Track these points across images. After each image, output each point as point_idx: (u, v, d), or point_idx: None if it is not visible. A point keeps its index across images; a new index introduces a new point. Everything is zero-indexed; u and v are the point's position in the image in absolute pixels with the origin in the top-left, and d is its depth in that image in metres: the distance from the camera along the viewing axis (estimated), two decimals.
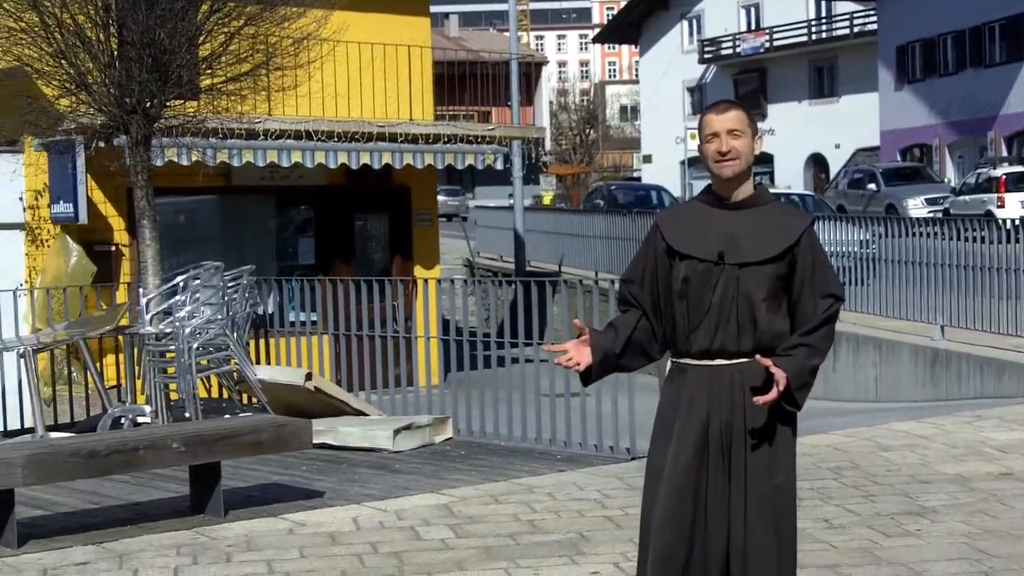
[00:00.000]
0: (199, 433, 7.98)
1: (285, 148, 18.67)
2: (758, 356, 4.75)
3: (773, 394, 4.70)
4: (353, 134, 19.19)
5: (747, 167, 4.94)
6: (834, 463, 9.40)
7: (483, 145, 20.59)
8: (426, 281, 12.19)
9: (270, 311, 13.93)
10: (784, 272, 4.84)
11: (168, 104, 12.52)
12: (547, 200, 62.06)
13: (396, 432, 10.69)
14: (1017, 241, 14.66)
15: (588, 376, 4.99)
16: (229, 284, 11.79)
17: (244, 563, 6.99)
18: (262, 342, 13.46)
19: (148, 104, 12.14)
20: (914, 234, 16.17)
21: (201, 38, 12.52)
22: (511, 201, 32.11)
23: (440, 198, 33.95)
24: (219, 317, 11.44)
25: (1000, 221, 15.86)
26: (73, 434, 11.29)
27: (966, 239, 15.29)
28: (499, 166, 21.15)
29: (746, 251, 4.84)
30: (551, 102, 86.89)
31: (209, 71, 12.76)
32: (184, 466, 8.20)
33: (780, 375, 4.69)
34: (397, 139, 19.66)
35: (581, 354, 4.89)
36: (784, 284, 4.86)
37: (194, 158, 16.67)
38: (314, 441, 10.22)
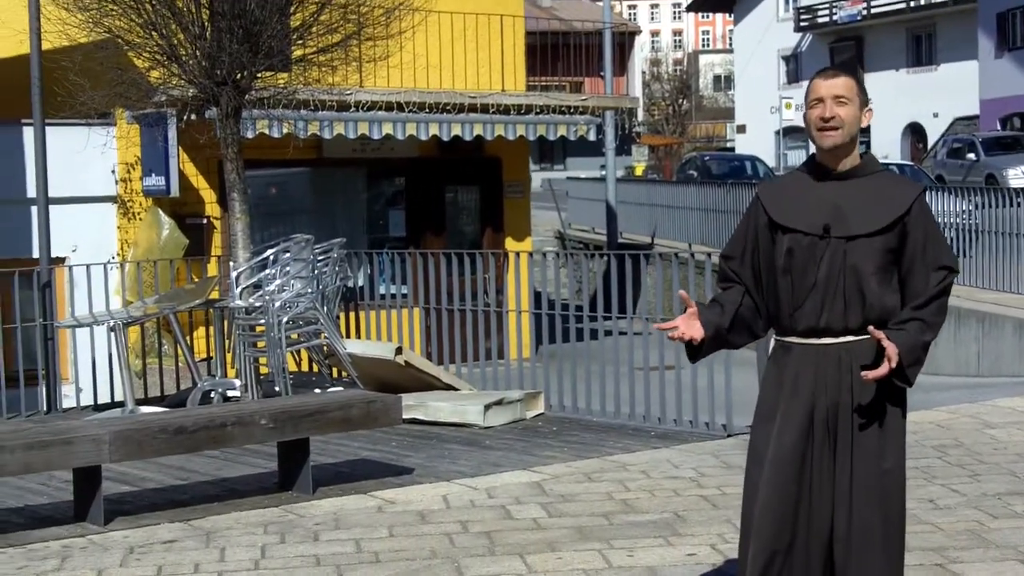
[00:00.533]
0: (287, 409, 7.87)
1: (376, 120, 18.57)
2: (871, 328, 4.52)
3: (884, 369, 4.48)
4: (444, 105, 19.05)
5: (851, 138, 4.71)
6: (938, 441, 9.11)
7: (575, 116, 20.36)
8: (518, 254, 11.99)
9: (360, 284, 13.84)
10: (894, 244, 4.62)
11: (259, 76, 12.42)
12: (638, 171, 61.63)
13: (487, 407, 10.53)
14: None
15: (698, 351, 4.81)
16: (319, 257, 11.69)
17: (332, 542, 6.87)
18: (352, 315, 13.36)
19: (239, 76, 12.05)
20: (1017, 204, 15.71)
21: (292, 8, 12.40)
22: (603, 172, 31.83)
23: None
24: (309, 291, 11.33)
25: None
26: (163, 408, 11.28)
27: None
28: (591, 137, 20.89)
29: (853, 223, 4.62)
30: (643, 72, 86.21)
31: (300, 42, 12.64)
32: (272, 442, 8.09)
33: (892, 349, 4.47)
34: (488, 110, 19.48)
35: (692, 328, 4.71)
36: (894, 257, 4.63)
37: (285, 130, 16.60)
38: (404, 416, 10.11)
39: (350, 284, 12.99)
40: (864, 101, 4.70)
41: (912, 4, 57.49)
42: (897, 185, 4.75)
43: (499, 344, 12.41)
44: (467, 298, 12.18)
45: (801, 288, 4.65)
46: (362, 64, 16.05)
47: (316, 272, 11.52)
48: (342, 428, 8.23)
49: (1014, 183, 34.25)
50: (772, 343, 4.84)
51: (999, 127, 47.34)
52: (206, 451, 8.32)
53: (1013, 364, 14.24)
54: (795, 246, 4.66)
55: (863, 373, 4.52)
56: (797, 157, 60.72)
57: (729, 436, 9.76)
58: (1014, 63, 47.62)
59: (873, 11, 58.53)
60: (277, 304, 11.06)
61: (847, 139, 4.66)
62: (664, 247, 26.46)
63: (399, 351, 11.14)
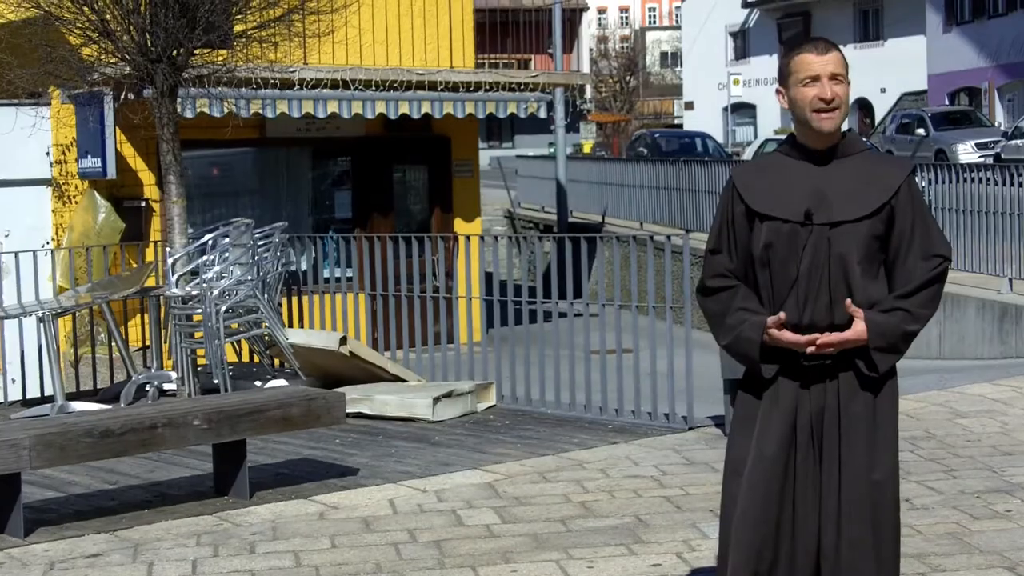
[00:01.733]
0: (222, 409, 7.37)
1: (321, 98, 17.99)
2: (847, 301, 4.13)
3: (834, 337, 4.12)
4: (391, 83, 18.47)
5: (844, 119, 4.28)
6: (908, 432, 8.71)
7: (525, 93, 19.84)
8: (468, 238, 11.51)
9: (304, 268, 13.29)
10: (881, 231, 4.21)
11: (196, 52, 11.85)
12: (587, 148, 61.30)
13: (436, 400, 10.04)
14: None
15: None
16: (260, 242, 11.16)
17: (269, 554, 6.38)
18: (295, 302, 12.82)
19: (175, 52, 11.48)
20: (968, 180, 15.31)
21: None
22: (551, 150, 31.37)
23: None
24: (249, 278, 10.80)
25: None
26: (96, 402, 10.75)
27: (1020, 184, 14.49)
28: (542, 114, 20.40)
29: (837, 208, 4.20)
30: (591, 49, 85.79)
31: (240, 16, 12.07)
32: (207, 444, 7.59)
33: (859, 326, 4.13)
34: (437, 87, 18.92)
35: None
36: (880, 244, 4.23)
37: (227, 109, 16.03)
38: (349, 410, 9.62)
39: (292, 270, 12.46)
40: (848, 76, 4.30)
41: None
42: (883, 165, 4.35)
43: (448, 328, 11.92)
44: (415, 283, 11.68)
45: (782, 281, 4.23)
46: (306, 40, 15.50)
47: (256, 258, 11.00)
48: (281, 428, 7.73)
49: (964, 158, 34.13)
50: None
51: (947, 102, 47.28)
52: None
53: (976, 346, 13.91)
54: (774, 235, 4.24)
55: (810, 337, 4.14)
56: (745, 133, 60.60)
57: (691, 429, 9.33)
58: (962, 38, 47.54)
59: None
60: (215, 292, 10.52)
61: (843, 121, 4.25)
62: (616, 226, 26.07)
63: (343, 341, 10.64)
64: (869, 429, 4.23)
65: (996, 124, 42.16)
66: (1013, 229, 14.06)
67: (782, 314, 4.18)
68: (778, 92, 4.37)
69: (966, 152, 35.33)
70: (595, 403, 10.23)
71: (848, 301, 4.13)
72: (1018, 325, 13.12)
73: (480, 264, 11.53)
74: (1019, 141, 34.44)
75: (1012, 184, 14.53)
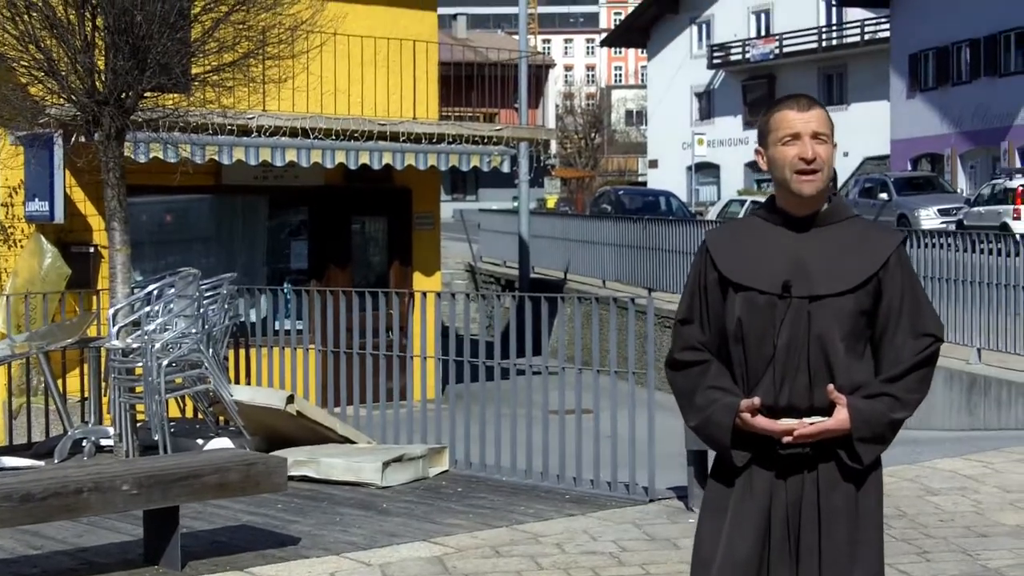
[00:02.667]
0: (154, 473, 6.90)
1: (279, 146, 17.63)
2: (829, 386, 3.72)
3: (815, 428, 3.71)
4: (352, 132, 18.13)
5: (829, 183, 3.89)
6: None
7: (489, 146, 19.52)
8: (424, 294, 11.10)
9: (254, 320, 12.84)
10: (867, 305, 3.82)
11: (147, 95, 11.43)
12: (551, 203, 61.18)
13: (385, 465, 9.57)
14: None
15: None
16: (207, 294, 10.70)
17: None
18: (243, 355, 12.33)
19: (123, 95, 11.06)
20: (929, 245, 15.00)
21: (184, 23, 11.43)
22: (515, 204, 31.05)
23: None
24: (194, 331, 10.35)
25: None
26: (29, 458, 10.25)
27: (981, 251, 14.23)
28: (506, 168, 20.09)
29: (819, 280, 3.80)
30: (557, 105, 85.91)
31: (192, 59, 11.67)
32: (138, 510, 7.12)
33: (841, 414, 3.73)
34: (399, 138, 18.61)
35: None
36: (867, 321, 3.83)
37: (182, 154, 15.60)
38: (294, 473, 9.18)
39: (241, 322, 12.00)
40: (833, 136, 3.93)
41: (824, 44, 57.55)
42: (871, 234, 3.94)
43: (402, 385, 11.47)
44: (368, 338, 11.22)
45: (757, 359, 3.83)
46: (265, 86, 15.11)
47: (202, 310, 10.53)
48: (217, 495, 7.27)
49: (926, 224, 34.01)
50: None
51: (909, 167, 47.30)
52: None
53: (945, 417, 13.56)
54: (749, 307, 3.84)
55: (784, 422, 3.74)
56: (708, 193, 60.55)
57: (652, 501, 8.89)
58: (926, 104, 47.66)
59: (785, 50, 58.54)
60: (157, 345, 10.06)
61: (827, 183, 3.86)
62: (578, 283, 25.72)
63: (291, 399, 10.17)
64: (851, 525, 3.82)
65: (959, 191, 42.16)
66: (980, 298, 13.75)
67: (756, 399, 3.78)
68: (757, 152, 3.99)
69: (928, 218, 35.23)
70: (552, 470, 9.79)
71: (831, 387, 3.73)
72: (987, 396, 12.80)
73: (436, 322, 11.11)
74: (982, 208, 34.40)
75: (975, 251, 14.26)
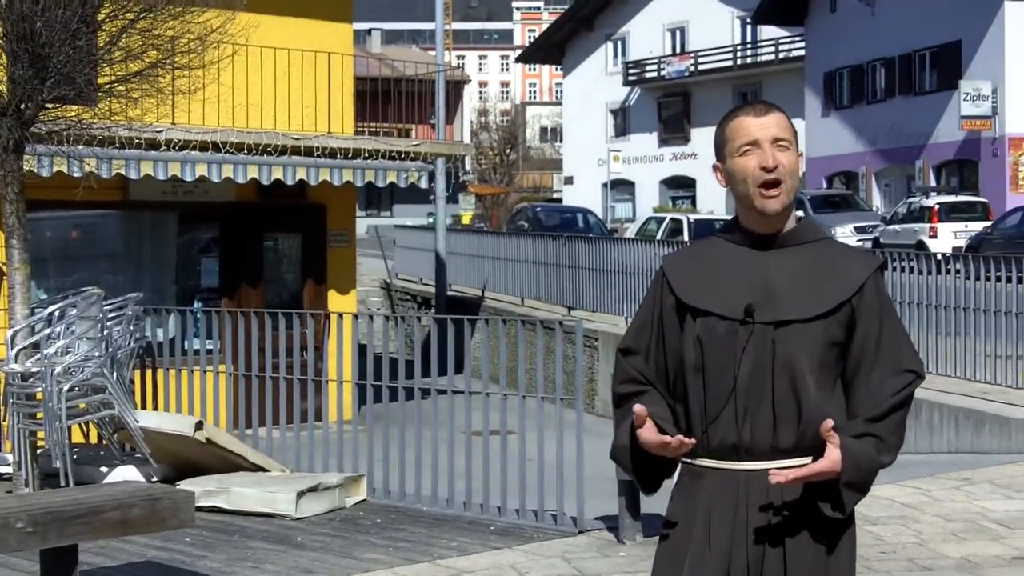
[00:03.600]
0: (51, 510, 6.38)
1: (189, 160, 17.03)
2: (827, 422, 3.25)
3: (805, 470, 3.27)
4: (265, 147, 17.58)
5: (795, 196, 3.49)
6: None
7: (406, 162, 19.07)
8: (340, 315, 10.64)
9: (161, 340, 12.31)
10: (839, 336, 3.40)
11: (47, 106, 10.88)
12: (466, 220, 60.89)
13: (300, 495, 9.10)
14: (971, 276, 13.43)
15: (665, 469, 3.54)
16: (111, 315, 10.18)
17: None
18: (150, 377, 11.79)
19: (23, 106, 10.51)
20: None
21: (87, 30, 10.89)
22: (430, 220, 30.63)
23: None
24: (97, 354, 9.82)
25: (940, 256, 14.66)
26: None
27: (902, 270, 14.04)
28: (423, 184, 19.64)
29: (785, 304, 3.39)
30: (472, 122, 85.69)
31: (96, 69, 11.14)
32: (33, 550, 6.60)
33: (834, 455, 3.26)
34: (313, 153, 18.08)
35: (659, 438, 3.38)
36: (839, 353, 3.41)
37: (88, 169, 15.00)
38: (203, 504, 8.68)
39: (148, 343, 11.47)
40: (797, 139, 3.53)
41: (739, 62, 57.74)
42: (845, 257, 3.52)
43: (317, 406, 10.99)
44: (282, 360, 10.73)
45: (717, 391, 3.41)
46: (172, 97, 14.58)
47: (106, 332, 10.01)
48: (119, 533, 6.75)
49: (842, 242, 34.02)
50: (679, 465, 3.58)
51: (825, 185, 47.49)
52: None
53: None
54: (708, 335, 3.43)
55: (771, 472, 3.30)
56: (623, 210, 60.50)
57: (581, 533, 8.49)
58: (841, 122, 47.90)
59: (700, 68, 58.68)
60: (58, 369, 9.52)
61: (793, 197, 3.46)
62: (496, 300, 25.32)
63: (199, 426, 9.68)
64: None
65: (874, 209, 42.36)
66: (908, 319, 13.51)
67: (639, 407, 3.36)
68: (714, 169, 3.58)
69: (845, 236, 35.24)
70: (475, 499, 9.36)
71: (829, 423, 3.27)
72: (917, 420, 12.53)
73: (353, 343, 10.66)
74: (898, 226, 34.52)
75: (900, 271, 14.07)
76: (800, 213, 3.67)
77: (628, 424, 3.43)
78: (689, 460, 3.49)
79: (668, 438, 3.34)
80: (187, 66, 11.74)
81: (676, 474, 3.57)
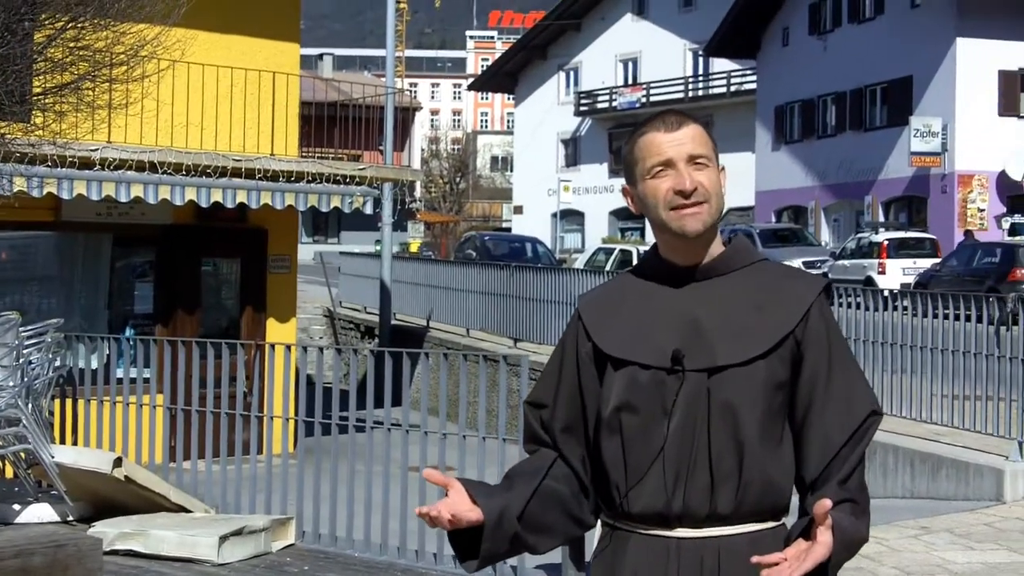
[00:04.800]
0: None
1: (124, 180, 16.44)
2: (822, 502, 2.66)
3: (804, 566, 2.66)
4: (204, 168, 17.01)
5: (719, 217, 2.97)
6: None
7: (352, 186, 18.54)
8: (272, 346, 10.11)
9: (94, 367, 11.73)
10: (784, 375, 2.89)
11: None
12: (414, 248, 60.44)
13: (223, 538, 8.52)
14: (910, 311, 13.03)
15: (474, 548, 2.90)
16: (28, 342, 9.59)
17: None
18: (69, 408, 11.18)
19: None
20: None
21: (11, 39, 10.34)
22: (377, 248, 30.08)
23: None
24: (11, 383, 9.22)
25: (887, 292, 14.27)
26: None
27: (849, 306, 13.64)
28: (368, 210, 19.09)
29: (719, 346, 2.87)
30: (422, 149, 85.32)
31: (20, 81, 10.58)
32: None
33: (826, 538, 2.69)
34: (255, 175, 17.52)
35: (457, 507, 2.84)
36: (785, 395, 2.89)
37: (16, 187, 14.42)
38: (119, 547, 8.11)
39: (67, 373, 10.88)
40: (717, 154, 3.02)
41: (691, 94, 57.63)
42: (784, 282, 2.98)
43: (245, 439, 10.45)
44: (211, 390, 10.19)
45: (641, 453, 2.88)
46: (111, 116, 14.06)
47: (23, 360, 9.42)
48: None
49: None
50: (599, 531, 3.04)
51: (774, 219, 47.37)
52: None
53: None
54: (631, 387, 2.90)
55: (755, 559, 2.74)
56: (573, 240, 60.23)
57: None
58: (791, 156, 47.81)
59: (652, 99, 58.56)
60: None
61: (716, 219, 2.94)
62: (441, 331, 24.80)
63: (119, 463, 9.08)
64: None
65: (823, 243, 42.23)
66: (867, 357, 13.09)
67: (428, 471, 2.86)
68: (624, 192, 3.06)
69: None
70: (410, 545, 8.83)
71: (827, 503, 2.67)
72: (871, 461, 12.10)
73: (285, 375, 10.12)
74: (847, 262, 34.33)
75: (848, 307, 13.68)
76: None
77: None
78: (611, 522, 2.97)
79: (441, 511, 2.79)
80: (119, 79, 11.22)
81: (596, 533, 3.02)
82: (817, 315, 2.92)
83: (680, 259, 2.96)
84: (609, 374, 2.94)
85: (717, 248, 2.98)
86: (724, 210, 3.01)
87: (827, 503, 2.68)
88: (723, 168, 3.02)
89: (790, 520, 2.88)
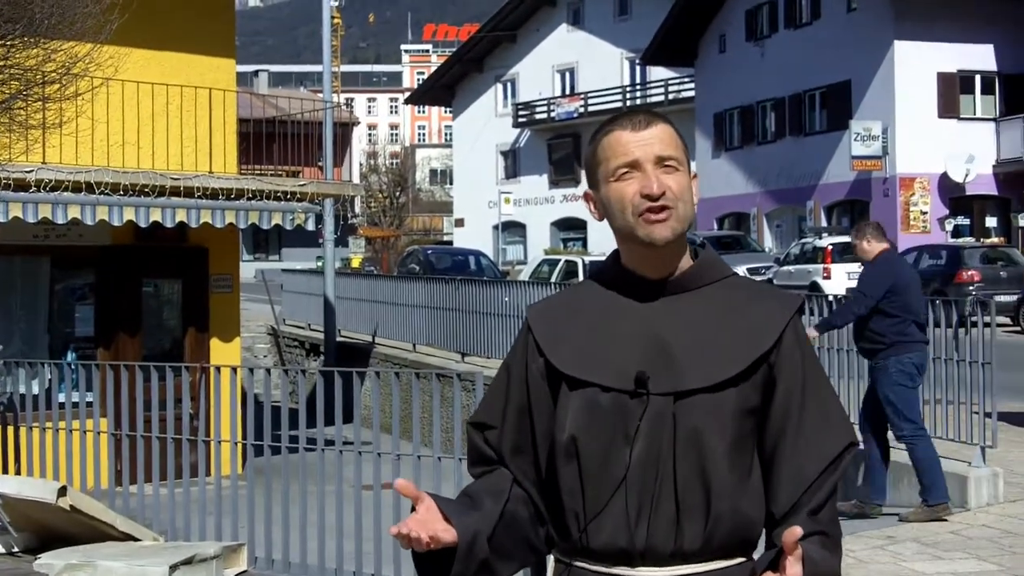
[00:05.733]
0: None
1: (61, 202, 16.08)
2: (791, 531, 2.45)
3: None
4: (142, 187, 16.68)
5: (688, 226, 2.73)
6: None
7: (292, 202, 18.26)
8: (218, 369, 9.84)
9: (36, 392, 11.42)
10: (755, 401, 2.66)
11: None
12: (356, 263, 60.09)
13: (173, 568, 8.25)
14: None
15: (439, 570, 2.65)
16: None
17: None
18: (12, 436, 10.88)
19: None
20: None
21: None
22: (319, 264, 29.77)
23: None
24: None
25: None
26: None
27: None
28: (310, 226, 18.79)
29: (687, 368, 2.64)
30: (361, 164, 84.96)
31: None
32: None
33: (795, 571, 2.45)
34: (194, 194, 17.21)
35: (429, 526, 2.58)
36: (755, 423, 2.67)
37: None
38: None
39: (7, 400, 10.57)
40: (688, 158, 2.78)
41: (628, 103, 57.66)
42: (756, 301, 2.75)
43: (193, 462, 10.18)
44: (156, 413, 9.93)
45: (600, 483, 2.64)
46: (45, 136, 13.74)
47: None
48: None
49: None
50: (551, 565, 2.79)
51: (715, 227, 47.43)
52: None
53: None
54: (589, 411, 2.66)
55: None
56: (515, 252, 60.11)
57: None
58: (731, 163, 47.91)
59: (590, 109, 58.55)
60: None
61: (685, 227, 2.71)
62: (387, 347, 24.55)
63: (63, 492, 8.79)
64: None
65: (766, 250, 42.29)
66: (823, 364, 12.95)
67: (401, 481, 2.62)
68: (586, 198, 2.81)
69: None
70: (366, 568, 8.59)
71: (798, 531, 2.46)
72: None
73: (231, 397, 9.84)
74: (791, 267, 34.36)
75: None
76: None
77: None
78: (565, 559, 2.71)
79: (419, 532, 2.54)
80: (52, 97, 10.92)
81: (550, 572, 2.77)
82: (791, 338, 2.70)
83: (645, 271, 2.73)
84: (564, 394, 2.70)
85: (685, 261, 2.75)
86: (692, 219, 2.78)
87: (797, 531, 2.46)
88: (695, 176, 2.78)
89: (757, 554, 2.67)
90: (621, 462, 2.61)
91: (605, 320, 2.73)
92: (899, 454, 11.56)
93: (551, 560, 2.77)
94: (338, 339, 25.86)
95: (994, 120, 39.75)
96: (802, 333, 2.75)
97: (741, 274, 2.90)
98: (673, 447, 2.60)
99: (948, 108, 39.18)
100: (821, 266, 33.56)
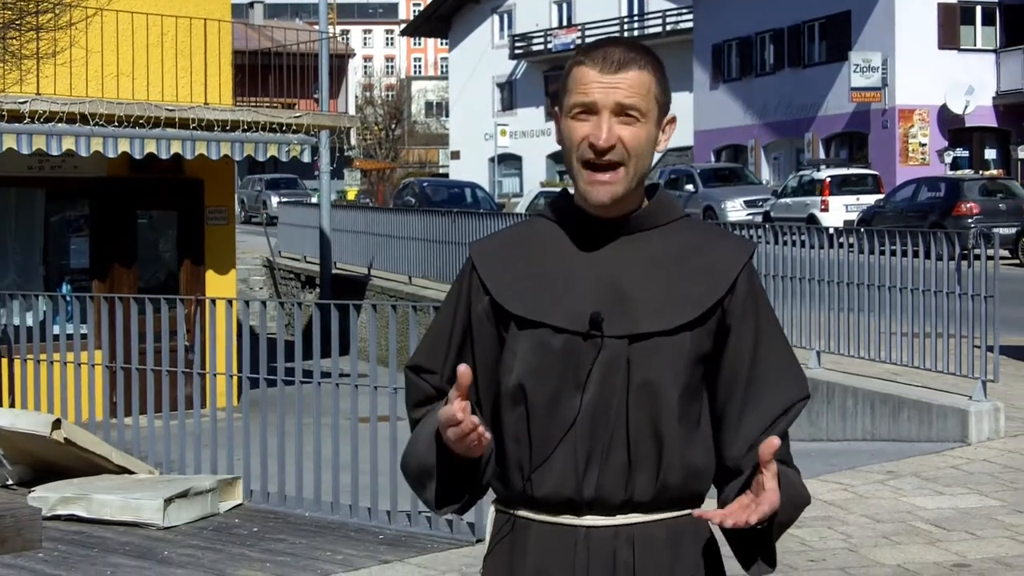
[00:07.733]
0: None
1: (55, 133, 15.93)
2: (764, 446, 2.36)
3: (754, 512, 2.36)
4: (137, 118, 16.52)
5: (640, 182, 2.58)
6: None
7: (288, 134, 18.11)
8: (213, 301, 9.77)
9: (29, 325, 11.36)
10: (707, 348, 2.55)
11: None
12: (351, 196, 59.87)
13: (168, 501, 8.22)
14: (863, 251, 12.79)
15: (478, 483, 2.57)
16: None
17: None
18: (6, 364, 10.81)
19: None
20: (758, 240, 14.03)
21: None
22: (315, 196, 29.63)
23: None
24: None
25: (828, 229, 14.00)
26: None
27: (793, 244, 13.36)
28: (305, 158, 18.66)
29: (642, 310, 2.52)
30: (356, 96, 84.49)
31: None
32: None
33: (774, 495, 2.37)
34: (189, 125, 17.06)
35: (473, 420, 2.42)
36: (706, 370, 2.56)
37: None
38: (60, 512, 7.79)
39: (1, 333, 10.51)
40: (665, 109, 2.61)
41: (626, 34, 57.25)
42: (710, 244, 2.63)
43: (188, 394, 10.13)
44: (151, 345, 9.85)
45: (548, 429, 2.52)
46: (39, 67, 13.60)
47: None
48: None
49: (732, 216, 33.66)
50: (491, 515, 2.68)
51: (713, 159, 47.22)
52: None
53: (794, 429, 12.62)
54: (539, 353, 2.54)
55: (696, 512, 2.50)
56: (511, 184, 59.91)
57: (480, 541, 7.73)
58: (729, 95, 47.60)
59: (587, 40, 57.94)
60: None
61: (630, 186, 2.55)
62: (382, 279, 24.48)
63: (57, 424, 8.74)
64: None
65: (763, 182, 42.11)
66: (820, 296, 12.84)
67: (465, 367, 2.40)
68: (555, 118, 2.66)
69: (735, 209, 34.97)
70: (362, 502, 8.55)
71: (775, 441, 2.36)
72: (829, 405, 11.92)
73: (227, 329, 9.78)
74: (789, 200, 34.25)
75: (796, 245, 13.39)
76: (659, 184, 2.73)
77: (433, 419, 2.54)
78: (506, 509, 2.60)
79: (460, 415, 2.37)
80: (45, 27, 10.78)
81: (489, 523, 2.67)
82: (745, 284, 2.59)
83: (597, 209, 2.58)
84: (513, 336, 2.57)
85: (640, 201, 2.62)
86: (648, 170, 2.65)
87: (775, 441, 2.37)
88: (672, 119, 2.64)
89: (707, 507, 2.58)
90: (571, 408, 2.51)
91: (556, 259, 2.60)
92: (901, 388, 11.52)
93: (491, 510, 2.67)
94: (334, 271, 25.78)
95: (994, 51, 39.50)
96: (756, 280, 2.64)
97: (738, 206, 2.82)
98: (627, 394, 2.50)
99: (948, 39, 38.90)
100: (819, 198, 33.49)
